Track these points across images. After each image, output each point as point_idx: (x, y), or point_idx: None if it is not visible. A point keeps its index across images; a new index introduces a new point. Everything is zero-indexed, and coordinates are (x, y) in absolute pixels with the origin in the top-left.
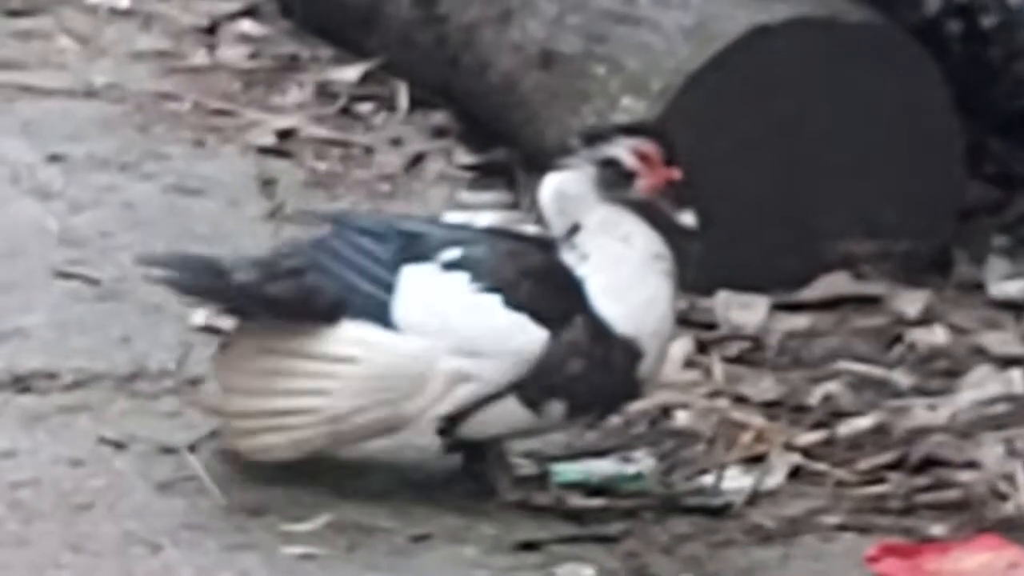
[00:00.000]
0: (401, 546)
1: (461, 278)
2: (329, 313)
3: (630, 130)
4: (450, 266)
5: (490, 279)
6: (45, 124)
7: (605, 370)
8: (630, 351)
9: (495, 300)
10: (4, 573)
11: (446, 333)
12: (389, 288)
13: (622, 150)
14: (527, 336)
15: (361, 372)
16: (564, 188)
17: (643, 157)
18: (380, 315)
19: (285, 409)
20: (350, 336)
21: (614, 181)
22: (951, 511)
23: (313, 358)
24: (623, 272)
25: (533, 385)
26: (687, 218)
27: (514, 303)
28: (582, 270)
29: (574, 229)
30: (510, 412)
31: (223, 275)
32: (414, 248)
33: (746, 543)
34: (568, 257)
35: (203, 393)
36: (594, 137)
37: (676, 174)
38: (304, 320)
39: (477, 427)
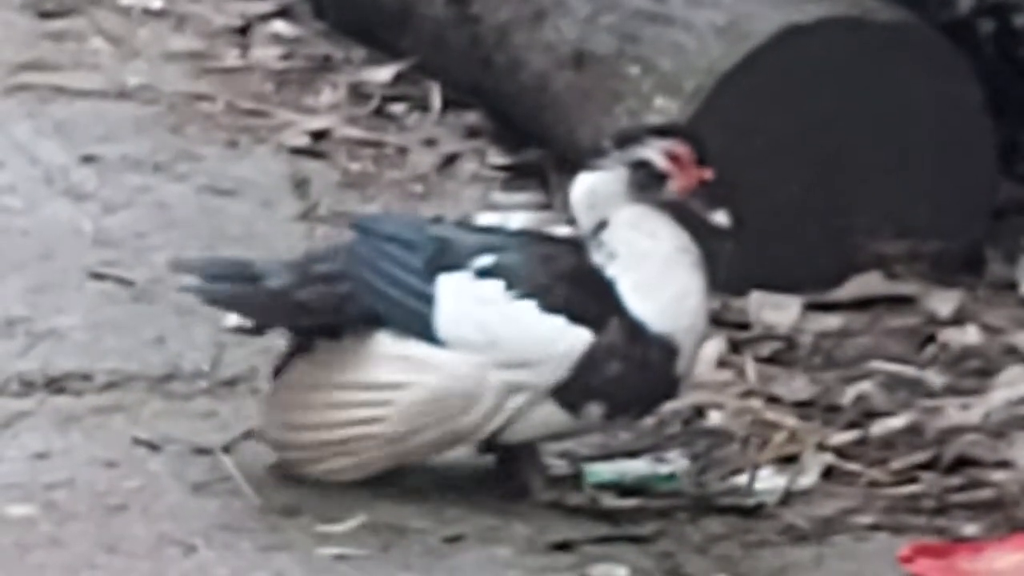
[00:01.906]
0: (435, 546)
1: (496, 286)
2: (361, 321)
3: (661, 132)
4: (483, 273)
5: (524, 285)
6: (78, 125)
7: (643, 370)
8: (666, 349)
9: (531, 306)
10: (39, 574)
11: (491, 346)
12: (427, 299)
13: (654, 152)
14: (572, 337)
15: (414, 396)
16: (595, 187)
17: (675, 158)
18: (422, 329)
19: (346, 438)
20: (399, 357)
21: (646, 183)
22: (984, 511)
23: (367, 388)
24: (652, 268)
25: (571, 387)
26: (720, 217)
27: (550, 307)
28: (612, 270)
29: (601, 226)
30: (548, 415)
31: (254, 281)
32: (446, 255)
33: (779, 543)
34: (596, 256)
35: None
36: (626, 139)
37: (708, 174)
38: (336, 326)
39: (516, 431)
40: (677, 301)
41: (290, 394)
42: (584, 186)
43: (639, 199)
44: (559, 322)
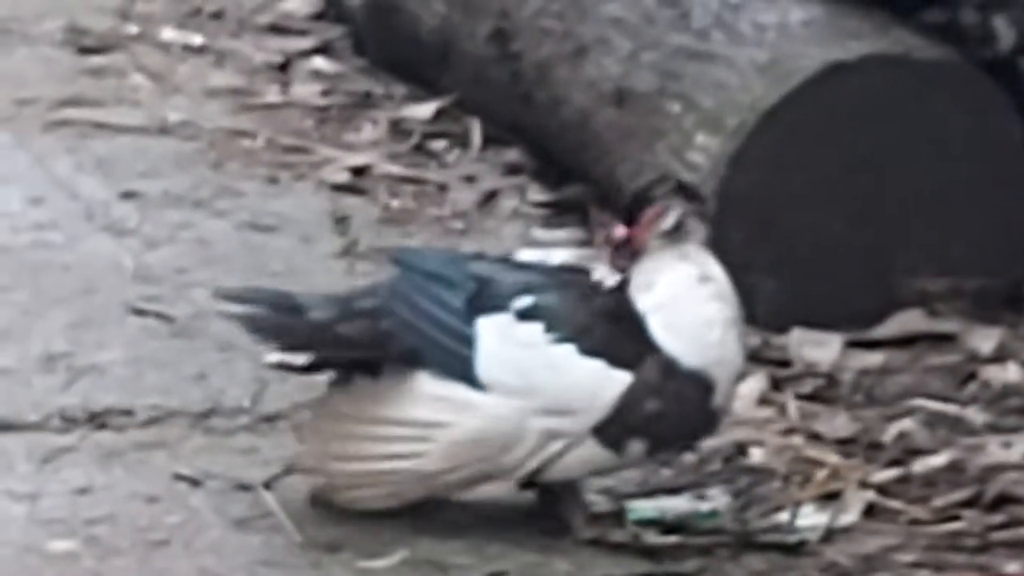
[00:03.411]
0: None
1: (536, 329)
2: (401, 359)
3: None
4: (523, 316)
5: (564, 329)
6: (119, 161)
7: (681, 405)
8: (701, 383)
9: (570, 351)
10: None
11: (531, 392)
12: (467, 341)
13: None
14: (611, 382)
15: (453, 436)
16: None
17: None
18: (462, 370)
19: (383, 470)
20: (438, 398)
21: None
22: None
23: (406, 424)
24: (674, 304)
25: (612, 427)
26: (601, 272)
27: (589, 351)
28: (641, 305)
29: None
30: (590, 454)
31: (298, 312)
32: (485, 296)
33: None
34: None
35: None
36: None
37: (619, 232)
38: (375, 363)
39: (559, 471)
40: (702, 335)
41: (329, 425)
42: None
43: None
44: (599, 367)
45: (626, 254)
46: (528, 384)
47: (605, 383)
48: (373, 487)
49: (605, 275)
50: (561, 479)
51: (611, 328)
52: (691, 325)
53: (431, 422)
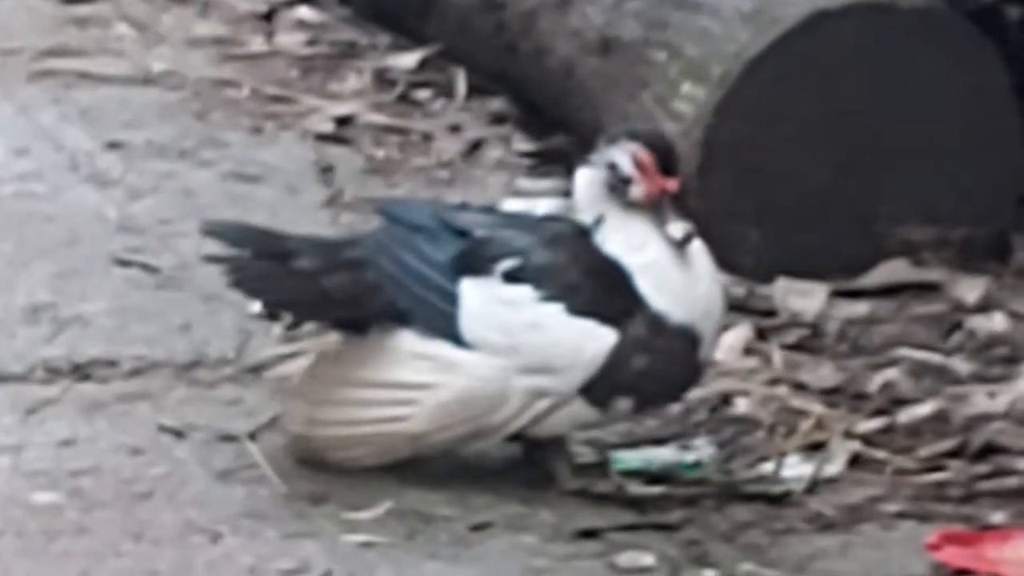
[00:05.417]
0: (461, 534)
1: (523, 290)
2: (385, 315)
3: (636, 135)
4: (510, 276)
5: (551, 287)
6: (103, 111)
7: (669, 362)
8: (689, 338)
9: (559, 309)
10: (65, 561)
11: (517, 351)
12: (451, 299)
13: (623, 154)
14: (597, 342)
15: (440, 398)
16: (584, 184)
17: (639, 164)
18: (447, 328)
19: (371, 433)
20: (424, 357)
21: (615, 184)
22: (1011, 498)
23: (393, 387)
24: (657, 260)
25: (599, 385)
26: (676, 230)
27: (578, 309)
28: (626, 261)
29: (599, 220)
30: (577, 411)
31: (283, 258)
32: (472, 253)
33: (806, 531)
34: (608, 247)
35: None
36: (612, 137)
37: (671, 185)
38: (360, 319)
39: (544, 426)
40: (689, 290)
41: (315, 389)
42: (578, 182)
43: (611, 199)
44: (585, 326)
45: (672, 206)
46: (512, 342)
47: (591, 341)
48: (360, 447)
49: (677, 229)
50: (546, 434)
51: (597, 286)
52: (678, 282)
53: (417, 383)
